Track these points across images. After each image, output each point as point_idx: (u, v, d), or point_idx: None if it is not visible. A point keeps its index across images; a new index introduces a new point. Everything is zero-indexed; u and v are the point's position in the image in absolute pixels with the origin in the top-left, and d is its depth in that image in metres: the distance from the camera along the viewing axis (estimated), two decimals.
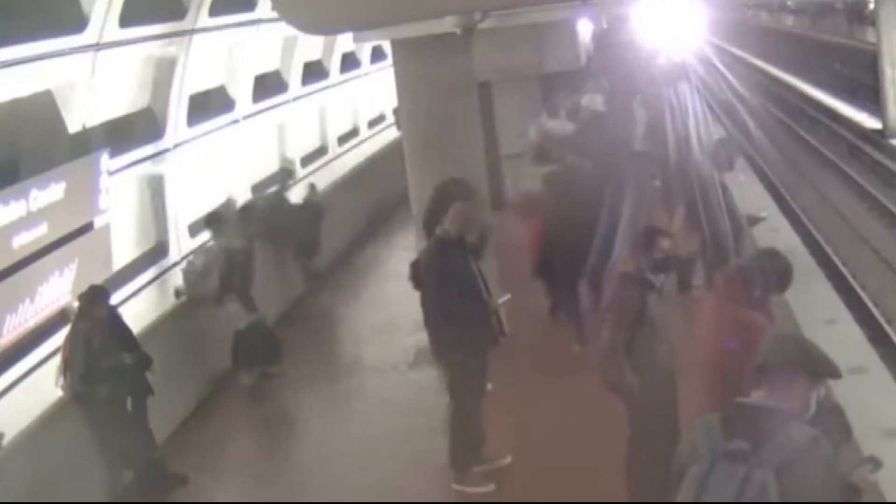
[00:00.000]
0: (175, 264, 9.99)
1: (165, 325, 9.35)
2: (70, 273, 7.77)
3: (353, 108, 17.47)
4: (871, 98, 25.43)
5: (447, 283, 7.09)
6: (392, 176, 13.81)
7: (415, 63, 10.10)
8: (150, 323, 9.14)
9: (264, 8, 10.94)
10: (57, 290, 7.63)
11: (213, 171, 11.32)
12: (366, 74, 17.43)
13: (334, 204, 14.70)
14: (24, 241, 7.13)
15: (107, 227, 8.37)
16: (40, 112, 7.74)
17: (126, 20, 8.25)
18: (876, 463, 3.78)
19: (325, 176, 15.10)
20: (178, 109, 9.95)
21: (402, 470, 7.53)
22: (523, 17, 11.91)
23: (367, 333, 11.13)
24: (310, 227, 12.41)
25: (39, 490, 6.81)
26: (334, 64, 15.58)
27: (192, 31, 9.72)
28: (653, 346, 6.09)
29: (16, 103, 7.31)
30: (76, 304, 7.76)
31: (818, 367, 3.70)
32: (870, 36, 29.45)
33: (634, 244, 6.57)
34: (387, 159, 16.64)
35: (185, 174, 10.26)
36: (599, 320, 6.48)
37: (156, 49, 9.26)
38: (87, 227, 8.11)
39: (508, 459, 7.46)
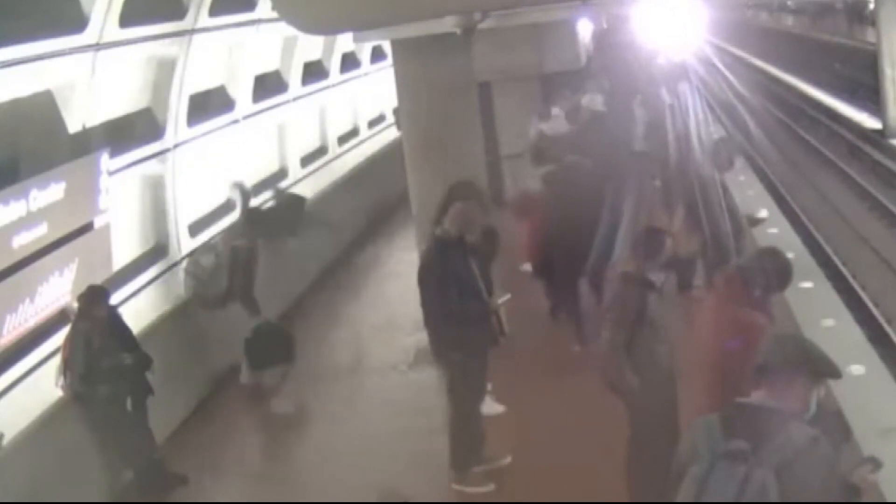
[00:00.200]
0: (175, 264, 9.99)
1: (165, 325, 9.35)
2: (70, 273, 7.76)
3: (353, 108, 17.47)
4: (871, 98, 25.43)
5: (447, 283, 7.09)
6: (392, 176, 13.80)
7: (415, 63, 10.11)
8: (150, 323, 9.13)
9: (264, 8, 10.94)
10: (57, 290, 7.63)
11: (213, 171, 11.32)
12: (366, 74, 17.42)
13: (334, 204, 14.72)
14: (24, 241, 7.13)
15: (107, 227, 8.36)
16: (40, 112, 7.73)
17: (126, 20, 8.24)
18: (876, 463, 3.78)
19: (325, 176, 15.10)
20: (178, 109, 9.94)
21: (402, 470, 7.52)
22: (523, 17, 11.91)
23: (367, 333, 11.13)
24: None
25: (39, 490, 6.81)
26: (334, 64, 15.57)
27: (192, 31, 9.71)
28: (653, 346, 6.09)
29: (16, 103, 7.31)
30: (76, 304, 7.76)
31: (818, 367, 3.70)
32: (870, 36, 29.44)
33: (635, 244, 6.57)
34: (387, 159, 16.64)
35: (185, 174, 10.26)
36: (599, 320, 6.48)
37: (156, 49, 9.25)
38: (87, 227, 8.11)
39: (508, 459, 7.46)
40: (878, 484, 4.03)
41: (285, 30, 10.47)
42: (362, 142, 17.48)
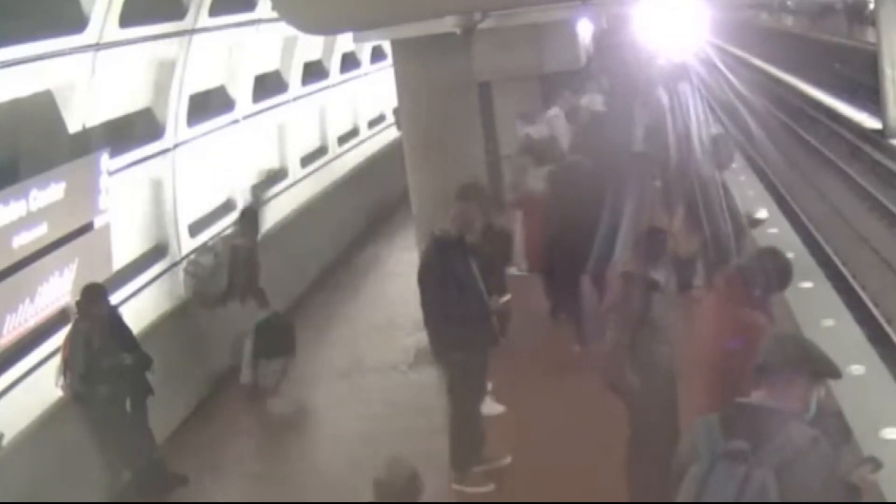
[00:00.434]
0: (175, 264, 9.99)
1: (165, 325, 9.35)
2: (70, 273, 7.76)
3: (353, 108, 17.46)
4: (871, 98, 25.43)
5: (447, 283, 7.09)
6: (392, 176, 13.81)
7: (415, 63, 10.12)
8: (150, 323, 9.13)
9: (264, 8, 10.93)
10: (57, 290, 7.62)
11: (213, 171, 11.32)
12: (366, 74, 17.42)
13: (334, 204, 14.72)
14: (24, 241, 7.12)
15: (107, 227, 8.36)
16: (40, 112, 7.73)
17: (126, 20, 8.24)
18: (876, 463, 3.79)
19: (325, 176, 15.10)
20: (178, 109, 9.94)
21: None
22: (523, 17, 11.91)
23: (367, 333, 11.13)
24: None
25: (39, 490, 6.81)
26: (334, 64, 15.57)
27: (192, 31, 9.71)
28: (653, 346, 6.10)
29: (16, 103, 7.30)
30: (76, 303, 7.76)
31: (818, 367, 3.70)
32: (870, 36, 29.44)
33: (636, 244, 6.57)
34: (387, 159, 16.64)
35: (185, 174, 10.25)
36: (600, 320, 6.48)
37: (156, 49, 9.25)
38: (87, 227, 8.10)
39: (508, 459, 7.46)
40: (878, 484, 4.03)
41: (285, 30, 10.47)
42: (362, 142, 17.47)
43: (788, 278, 5.78)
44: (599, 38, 20.41)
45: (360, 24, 9.00)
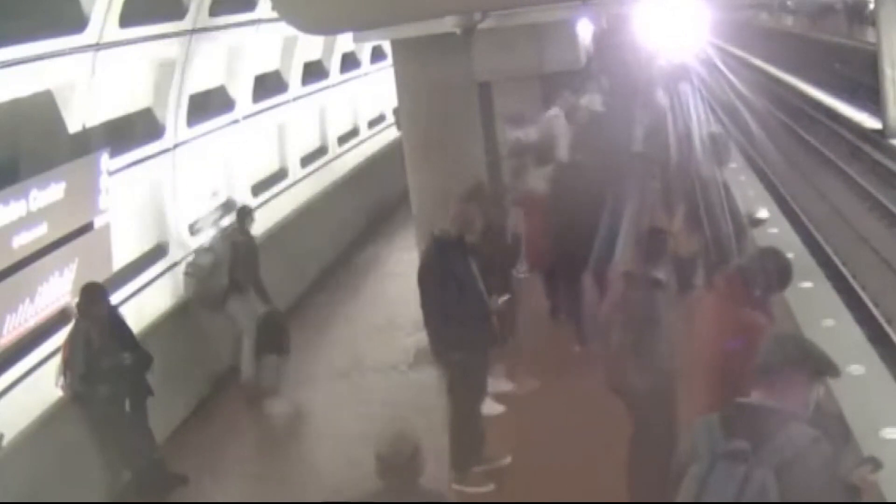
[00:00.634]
0: (175, 264, 9.99)
1: (165, 325, 9.35)
2: (70, 273, 7.76)
3: (353, 108, 17.47)
4: (871, 98, 25.43)
5: (447, 283, 7.09)
6: (392, 176, 13.81)
7: (415, 63, 10.11)
8: (150, 323, 9.13)
9: (264, 8, 10.93)
10: (57, 290, 7.62)
11: (213, 171, 11.32)
12: (366, 74, 17.42)
13: (334, 204, 14.72)
14: (24, 241, 7.12)
15: (107, 227, 8.36)
16: (40, 112, 7.73)
17: (126, 20, 8.24)
18: (876, 464, 3.78)
19: (325, 176, 15.11)
20: (178, 109, 9.95)
21: None
22: (523, 17, 11.90)
23: (367, 333, 11.13)
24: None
25: (39, 490, 6.81)
26: (334, 64, 15.58)
27: (192, 31, 9.71)
28: (657, 347, 6.10)
29: (16, 103, 7.30)
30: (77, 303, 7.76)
31: (818, 366, 3.70)
32: (870, 36, 29.44)
33: (637, 244, 6.57)
34: (387, 159, 16.64)
35: (185, 174, 10.26)
36: (600, 321, 6.48)
37: (156, 49, 9.25)
38: (87, 227, 8.10)
39: (508, 459, 7.46)
40: (878, 484, 4.03)
41: (285, 30, 10.47)
42: (362, 142, 17.48)
43: (788, 277, 5.78)
44: (599, 38, 20.39)
45: (360, 24, 9.00)
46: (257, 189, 12.48)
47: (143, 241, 9.77)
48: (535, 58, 15.12)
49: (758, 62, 41.92)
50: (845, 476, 3.67)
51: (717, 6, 29.00)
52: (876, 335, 11.34)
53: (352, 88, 16.70)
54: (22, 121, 7.56)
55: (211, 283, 9.83)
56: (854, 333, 8.48)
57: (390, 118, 18.30)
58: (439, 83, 9.94)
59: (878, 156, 21.57)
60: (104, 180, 8.21)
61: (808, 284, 9.39)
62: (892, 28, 23.20)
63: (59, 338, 7.64)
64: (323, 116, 15.60)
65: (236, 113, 11.64)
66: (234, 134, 11.61)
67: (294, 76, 13.67)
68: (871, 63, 25.23)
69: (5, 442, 6.91)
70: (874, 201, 18.27)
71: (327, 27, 9.47)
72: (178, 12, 9.46)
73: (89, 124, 8.25)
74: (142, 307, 9.10)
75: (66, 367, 7.50)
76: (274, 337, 9.88)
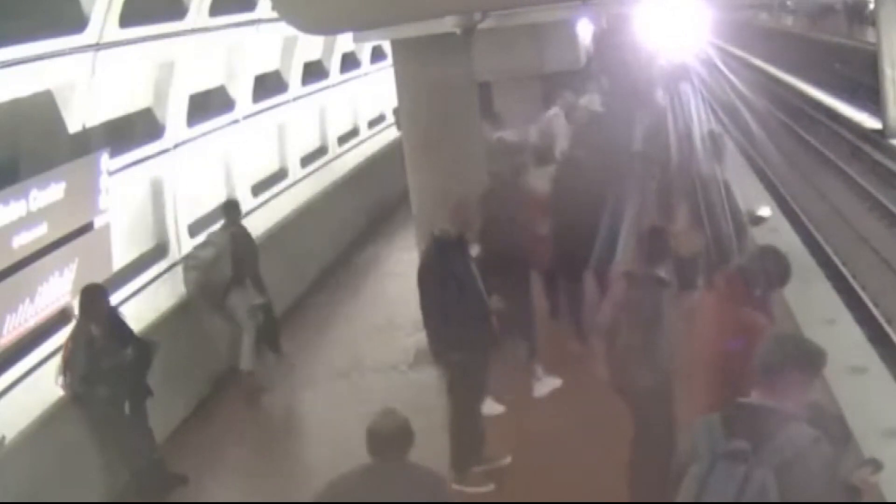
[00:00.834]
0: (175, 264, 9.99)
1: (165, 325, 9.35)
2: (70, 273, 7.75)
3: (353, 108, 17.47)
4: (871, 98, 25.44)
5: (447, 283, 7.09)
6: (392, 176, 13.79)
7: (415, 63, 10.10)
8: (150, 323, 9.13)
9: (264, 8, 10.93)
10: (57, 290, 7.62)
11: (213, 171, 11.32)
12: (366, 74, 17.42)
13: (334, 204, 14.72)
14: (24, 241, 7.11)
15: (107, 227, 8.36)
16: (40, 112, 7.72)
17: (126, 20, 8.23)
18: (876, 465, 3.78)
19: (325, 176, 15.11)
20: (178, 109, 9.95)
21: None
22: (523, 17, 11.90)
23: (367, 333, 11.13)
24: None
25: (39, 490, 6.80)
26: (334, 64, 15.57)
27: (192, 31, 9.71)
28: (661, 347, 6.10)
29: (16, 103, 7.30)
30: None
31: (814, 360, 3.71)
32: (870, 36, 29.44)
33: (639, 244, 6.57)
34: (387, 159, 16.63)
35: (185, 174, 10.26)
36: (601, 320, 6.48)
37: (156, 49, 9.25)
38: (87, 227, 8.10)
39: (508, 459, 7.46)
40: (878, 485, 4.03)
41: (285, 30, 10.46)
42: (362, 142, 17.47)
43: (787, 275, 5.79)
44: (599, 38, 20.39)
45: (360, 24, 9.00)
46: (257, 189, 12.48)
47: (143, 241, 9.77)
48: (535, 58, 15.15)
49: (758, 62, 41.93)
50: (846, 477, 3.67)
51: (717, 6, 29.02)
52: (876, 335, 11.34)
53: (352, 88, 16.70)
54: (22, 121, 7.56)
55: (212, 275, 9.83)
56: (854, 333, 8.49)
57: (390, 118, 18.29)
58: (439, 83, 9.92)
59: (878, 156, 21.57)
60: (104, 180, 8.21)
61: (807, 284, 9.40)
62: (892, 28, 23.21)
63: (59, 338, 7.64)
64: (323, 116, 15.59)
65: (236, 113, 11.64)
66: (234, 134, 11.61)
67: (294, 76, 13.67)
68: (871, 63, 25.23)
69: (5, 442, 6.91)
70: (874, 201, 18.27)
71: (327, 27, 9.47)
72: (178, 12, 9.46)
73: (89, 124, 8.25)
74: (142, 307, 9.10)
75: (67, 367, 7.49)
76: (266, 328, 10.06)
